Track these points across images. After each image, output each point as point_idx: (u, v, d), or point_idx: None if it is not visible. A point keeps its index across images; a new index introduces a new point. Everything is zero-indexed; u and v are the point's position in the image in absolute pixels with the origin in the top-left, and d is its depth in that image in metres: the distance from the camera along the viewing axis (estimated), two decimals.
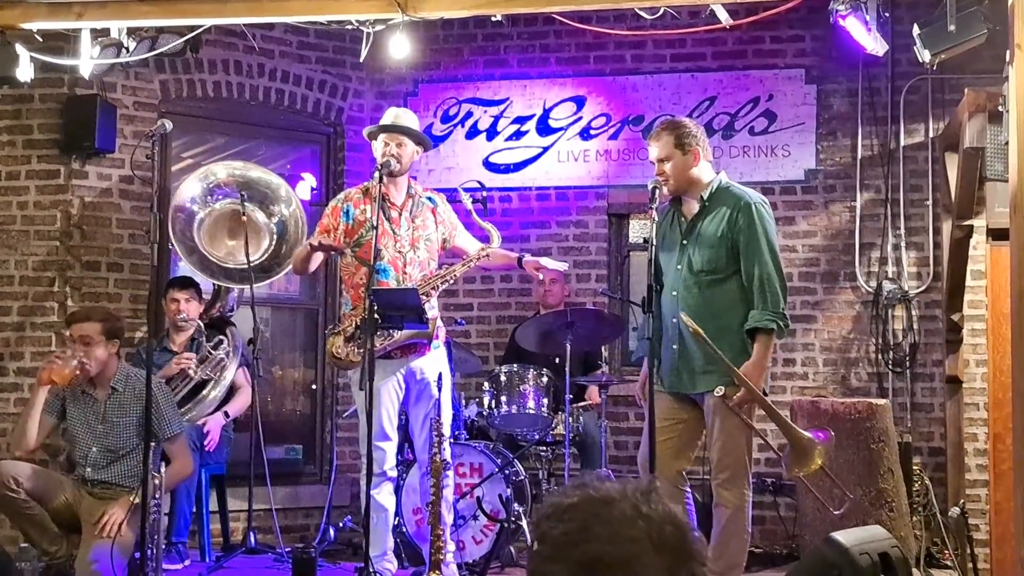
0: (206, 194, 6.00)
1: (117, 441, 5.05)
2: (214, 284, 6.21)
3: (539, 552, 1.44)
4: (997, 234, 6.69)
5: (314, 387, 7.31)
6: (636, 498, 1.43)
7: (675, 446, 4.44)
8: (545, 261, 5.23)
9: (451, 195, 5.44)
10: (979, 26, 4.90)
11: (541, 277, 5.43)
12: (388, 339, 4.91)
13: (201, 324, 6.04)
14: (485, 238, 5.19)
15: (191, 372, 5.86)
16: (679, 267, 4.47)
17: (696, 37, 6.98)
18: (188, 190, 6.02)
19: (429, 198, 5.24)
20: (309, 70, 7.19)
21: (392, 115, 5.23)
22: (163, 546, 4.79)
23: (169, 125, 4.83)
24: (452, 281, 5.21)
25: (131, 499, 4.75)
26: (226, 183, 6.00)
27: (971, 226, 6.47)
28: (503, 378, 6.04)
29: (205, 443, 5.76)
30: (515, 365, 6.14)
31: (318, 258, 5.15)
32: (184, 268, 6.40)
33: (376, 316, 4.64)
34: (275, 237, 6.10)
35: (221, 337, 6.01)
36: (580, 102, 7.32)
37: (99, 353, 5.02)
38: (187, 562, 5.60)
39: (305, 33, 7.07)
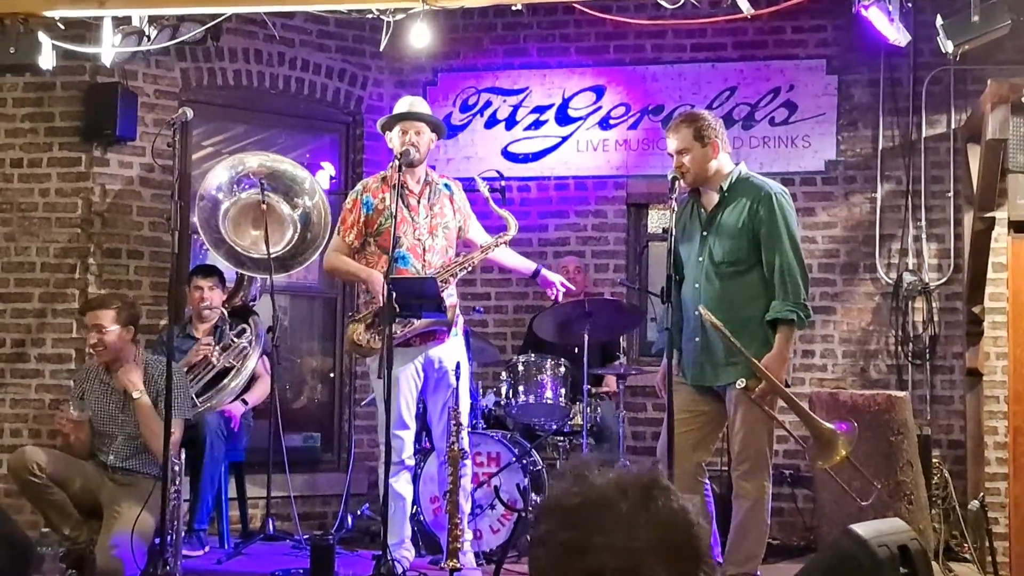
0: (232, 183, 6.01)
1: (138, 428, 5.07)
2: (237, 273, 6.23)
3: (539, 557, 1.40)
4: (1019, 226, 6.67)
5: (332, 375, 7.34)
6: (636, 498, 1.39)
7: (695, 438, 4.43)
8: (561, 279, 5.28)
9: (469, 184, 5.44)
10: (1003, 17, 4.88)
11: (552, 294, 5.37)
12: (408, 326, 4.92)
13: (225, 312, 6.06)
14: (503, 227, 5.19)
15: (213, 360, 5.88)
16: (700, 259, 4.46)
17: (717, 27, 6.95)
18: (215, 178, 6.02)
19: (446, 185, 5.25)
20: (329, 59, 7.20)
21: (407, 103, 5.23)
22: (183, 533, 4.81)
23: (190, 113, 4.85)
24: (470, 268, 5.21)
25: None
26: (256, 172, 6.00)
27: (993, 218, 6.44)
28: (520, 368, 6.04)
29: (231, 426, 5.78)
30: (532, 355, 6.14)
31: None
32: (204, 256, 6.42)
33: (394, 305, 4.65)
34: (298, 228, 6.11)
35: (244, 326, 6.03)
36: (600, 92, 7.30)
37: (113, 340, 5.04)
38: (207, 548, 5.63)
39: (325, 22, 7.07)
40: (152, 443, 4.90)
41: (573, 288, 5.43)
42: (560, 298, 5.32)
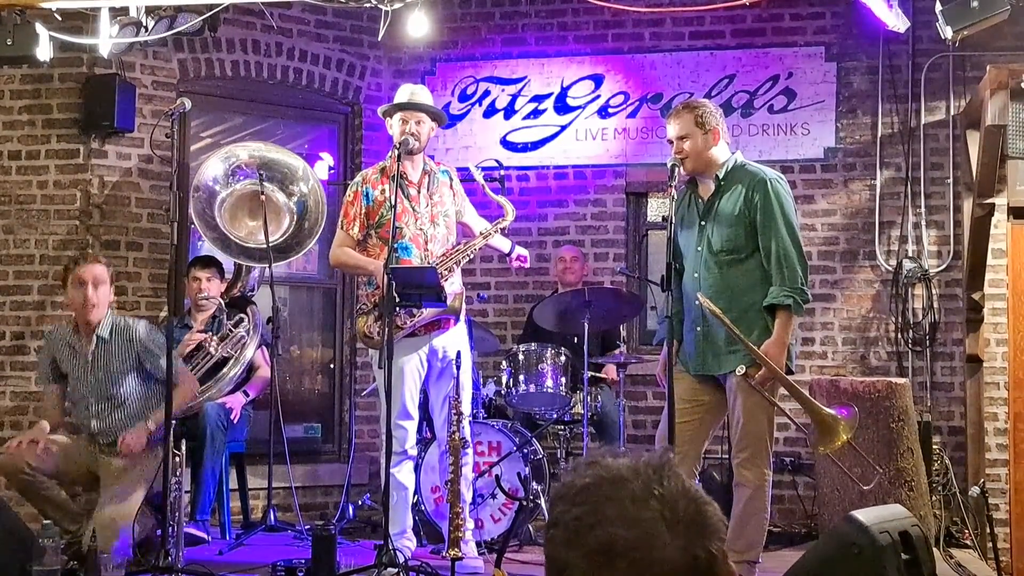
0: (228, 175, 6.01)
1: (112, 388, 5.06)
2: (235, 263, 6.23)
3: (553, 537, 1.41)
4: (1018, 212, 6.67)
5: (332, 366, 7.34)
6: (648, 475, 1.40)
7: (695, 428, 4.43)
8: (522, 250, 5.39)
9: (466, 174, 5.44)
10: (1002, 2, 4.86)
11: (518, 265, 5.44)
12: (418, 316, 4.93)
13: (222, 303, 6.06)
14: (500, 215, 5.19)
15: (212, 349, 5.88)
16: (699, 248, 4.45)
17: (715, 14, 6.94)
18: (210, 170, 6.02)
19: (444, 172, 5.26)
20: (327, 49, 7.18)
21: (408, 92, 5.22)
22: (184, 524, 4.81)
23: (188, 104, 4.83)
24: (472, 255, 5.21)
25: (147, 425, 4.96)
26: (247, 164, 6.00)
27: (992, 204, 6.44)
28: (521, 357, 6.05)
29: (231, 417, 5.79)
30: (533, 344, 6.15)
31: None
32: (205, 247, 6.42)
33: (394, 295, 4.65)
34: (295, 217, 6.10)
35: (241, 316, 6.03)
36: (598, 80, 7.29)
37: (105, 293, 5.04)
38: (208, 539, 5.63)
39: (323, 12, 7.05)
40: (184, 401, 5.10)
41: (525, 265, 5.47)
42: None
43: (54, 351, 5.18)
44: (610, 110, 7.26)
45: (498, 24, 7.44)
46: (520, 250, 5.39)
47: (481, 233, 5.18)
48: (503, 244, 5.34)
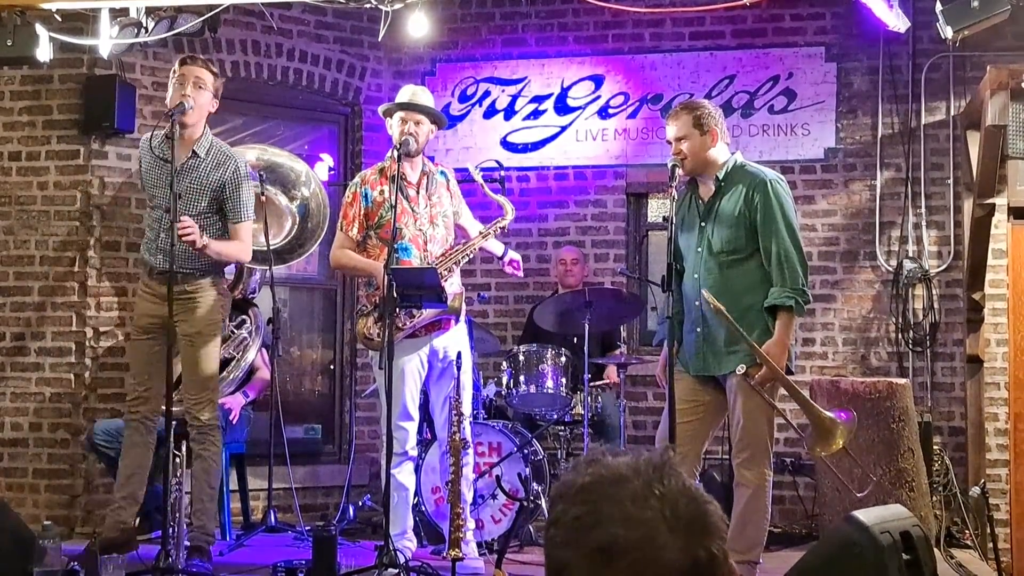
0: None
1: (187, 207, 4.83)
2: (236, 265, 6.22)
3: (553, 536, 1.41)
4: (1019, 212, 6.67)
5: (332, 367, 7.34)
6: (649, 474, 1.39)
7: (695, 428, 4.43)
8: (514, 255, 5.37)
9: (466, 174, 5.44)
10: (1002, 2, 4.86)
11: (511, 271, 5.42)
12: (418, 316, 4.93)
13: None
14: (499, 215, 5.19)
15: None
16: (699, 249, 4.45)
17: (715, 15, 6.94)
18: None
19: (441, 172, 5.26)
20: (327, 50, 7.18)
21: (409, 93, 5.22)
22: (185, 525, 4.80)
23: (188, 104, 4.83)
24: (471, 255, 5.21)
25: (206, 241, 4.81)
26: (253, 166, 6.00)
27: (992, 204, 6.44)
28: (521, 357, 6.05)
29: (230, 418, 5.79)
30: (533, 344, 6.15)
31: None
32: None
33: (395, 296, 4.65)
34: (297, 220, 6.10)
35: (243, 317, 6.04)
36: (598, 81, 7.29)
37: (205, 101, 4.92)
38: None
39: (323, 12, 7.05)
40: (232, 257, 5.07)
41: (520, 274, 5.47)
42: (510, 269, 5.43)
43: (143, 154, 5.01)
44: (610, 111, 7.26)
45: (498, 25, 7.44)
46: (512, 254, 5.37)
47: (480, 233, 5.18)
48: (496, 247, 5.34)
